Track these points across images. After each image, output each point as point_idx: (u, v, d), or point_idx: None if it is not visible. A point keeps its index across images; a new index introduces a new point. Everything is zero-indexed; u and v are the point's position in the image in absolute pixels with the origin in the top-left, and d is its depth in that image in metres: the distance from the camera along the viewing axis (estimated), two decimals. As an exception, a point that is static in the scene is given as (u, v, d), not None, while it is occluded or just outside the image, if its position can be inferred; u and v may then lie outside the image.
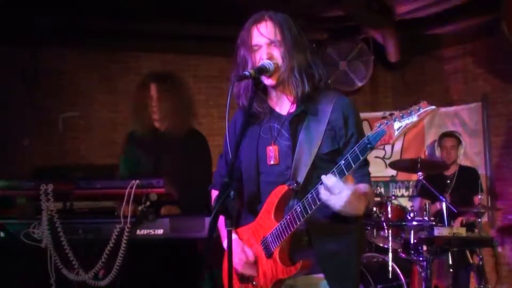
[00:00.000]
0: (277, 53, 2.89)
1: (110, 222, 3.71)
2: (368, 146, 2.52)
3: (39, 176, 4.19)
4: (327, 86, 3.06)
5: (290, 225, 2.78)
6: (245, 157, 3.08)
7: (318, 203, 2.65)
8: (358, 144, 2.55)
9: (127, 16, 7.93)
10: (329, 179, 2.59)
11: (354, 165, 2.56)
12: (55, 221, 3.68)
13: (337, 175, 2.61)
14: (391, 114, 2.50)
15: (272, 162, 2.98)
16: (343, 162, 2.59)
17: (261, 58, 2.88)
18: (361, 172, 2.92)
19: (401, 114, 2.46)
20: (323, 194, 2.61)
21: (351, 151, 2.57)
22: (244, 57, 2.95)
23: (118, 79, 8.53)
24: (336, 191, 2.58)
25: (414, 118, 2.43)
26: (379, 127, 2.50)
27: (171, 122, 4.74)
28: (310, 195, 2.70)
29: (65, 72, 8.48)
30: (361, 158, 2.55)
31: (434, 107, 2.44)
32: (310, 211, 2.70)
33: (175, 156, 4.69)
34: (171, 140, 4.72)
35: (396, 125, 2.46)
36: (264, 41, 2.89)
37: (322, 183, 2.62)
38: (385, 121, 2.49)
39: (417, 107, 2.44)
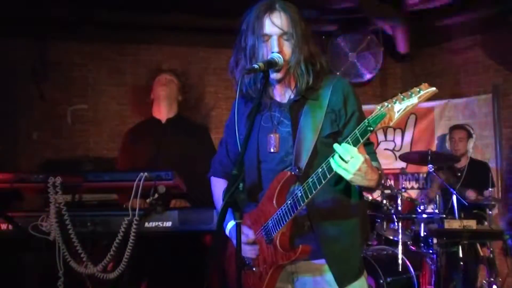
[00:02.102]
0: (287, 47, 2.88)
1: (118, 215, 3.71)
2: (369, 128, 2.49)
3: (49, 168, 4.17)
4: (327, 72, 3.05)
5: (291, 210, 2.77)
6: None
7: (329, 176, 2.62)
8: (358, 127, 2.53)
9: (137, 9, 7.92)
10: (340, 146, 2.56)
11: (355, 147, 2.53)
12: (64, 213, 3.68)
13: (351, 143, 2.57)
14: (392, 97, 2.48)
15: (272, 150, 2.98)
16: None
17: (271, 50, 2.87)
18: (366, 150, 2.89)
19: (401, 97, 2.43)
20: (334, 161, 2.57)
21: (352, 134, 2.55)
22: (253, 46, 2.92)
23: (127, 71, 8.52)
24: (347, 158, 2.53)
25: (415, 100, 2.40)
26: (379, 110, 2.48)
27: (177, 114, 4.75)
28: (310, 179, 2.69)
29: (74, 65, 8.48)
30: (361, 141, 2.52)
31: (434, 89, 2.41)
32: (310, 195, 2.69)
33: (178, 149, 4.70)
34: (174, 133, 4.73)
35: (397, 107, 2.43)
36: (276, 31, 2.87)
37: (333, 155, 2.58)
38: (386, 104, 2.47)
39: (418, 89, 2.41)
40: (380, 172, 2.75)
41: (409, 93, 2.42)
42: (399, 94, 2.45)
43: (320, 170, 2.65)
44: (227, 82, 8.92)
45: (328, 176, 2.62)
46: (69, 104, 8.38)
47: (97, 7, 7.79)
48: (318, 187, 2.67)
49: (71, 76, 8.44)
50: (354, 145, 2.53)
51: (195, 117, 5.04)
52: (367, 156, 2.60)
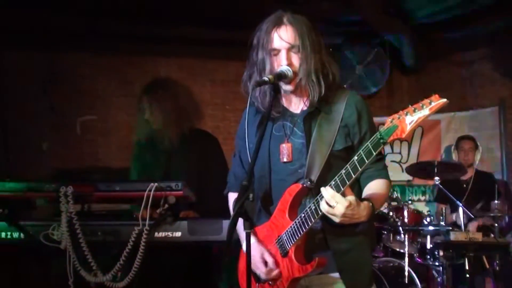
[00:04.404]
0: (296, 59, 2.91)
1: (128, 225, 3.74)
2: (381, 141, 2.53)
3: (57, 179, 4.20)
4: (339, 85, 3.09)
5: (305, 223, 2.79)
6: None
7: (342, 188, 2.66)
8: (370, 140, 2.57)
9: (144, 20, 7.98)
10: (326, 192, 2.64)
11: (367, 160, 2.57)
12: (74, 223, 3.71)
13: (333, 187, 2.66)
14: (403, 109, 2.50)
15: (285, 160, 2.99)
16: (356, 158, 2.61)
17: (280, 63, 2.91)
18: (377, 166, 2.95)
19: (413, 108, 2.45)
20: (322, 205, 2.66)
21: (364, 146, 2.59)
22: (263, 60, 2.96)
23: (136, 83, 8.49)
24: (333, 203, 2.62)
25: (426, 111, 2.41)
26: (391, 122, 2.50)
27: (171, 129, 4.76)
28: (321, 195, 2.71)
29: (83, 76, 8.54)
30: (374, 154, 2.56)
31: (445, 100, 2.40)
32: (321, 212, 2.71)
33: (188, 160, 4.72)
34: (184, 144, 4.75)
35: (408, 119, 2.45)
36: (284, 46, 2.91)
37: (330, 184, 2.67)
38: (397, 116, 2.49)
39: (429, 101, 2.41)
40: (371, 204, 2.79)
41: (420, 104, 2.43)
42: (410, 105, 2.47)
43: (334, 183, 2.68)
44: (234, 94, 8.96)
45: (342, 189, 2.65)
46: (78, 115, 8.44)
47: (106, 19, 7.85)
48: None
49: (80, 87, 8.51)
50: (367, 158, 2.57)
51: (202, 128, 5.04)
52: (352, 199, 2.64)
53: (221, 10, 7.85)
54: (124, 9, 7.59)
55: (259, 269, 2.96)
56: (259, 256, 2.96)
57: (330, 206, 2.63)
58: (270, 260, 2.95)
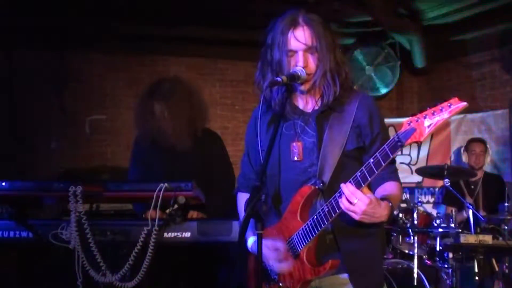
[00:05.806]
0: (312, 60, 2.89)
1: (138, 225, 3.73)
2: (399, 144, 2.50)
3: (66, 178, 4.19)
4: (351, 85, 3.08)
5: (318, 225, 2.77)
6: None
7: (338, 211, 2.66)
8: (388, 142, 2.55)
9: (155, 20, 7.99)
10: (346, 188, 2.62)
11: (384, 163, 2.56)
12: (83, 222, 3.70)
13: (353, 183, 2.63)
14: (421, 111, 2.48)
15: (296, 158, 2.97)
16: (372, 160, 2.59)
17: (296, 64, 2.88)
18: (389, 169, 2.92)
19: (431, 111, 2.44)
20: (342, 202, 2.65)
21: (381, 149, 2.57)
22: (279, 61, 2.93)
23: (145, 82, 8.48)
24: (353, 201, 2.60)
25: (445, 115, 2.40)
26: (409, 124, 2.48)
27: (182, 133, 4.72)
28: (338, 194, 2.70)
29: (92, 75, 8.57)
30: (391, 156, 2.54)
31: (465, 103, 2.40)
32: (338, 210, 2.70)
33: (190, 160, 4.70)
34: (185, 145, 4.72)
35: (427, 122, 2.44)
36: (301, 47, 2.88)
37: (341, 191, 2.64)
38: (415, 119, 2.47)
39: (448, 104, 2.41)
40: (391, 204, 2.77)
41: (439, 107, 2.42)
42: (428, 108, 2.45)
43: (353, 180, 2.66)
44: (244, 94, 8.98)
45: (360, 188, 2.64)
46: (88, 114, 8.46)
47: (115, 19, 7.87)
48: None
49: (90, 87, 8.53)
50: (384, 161, 2.55)
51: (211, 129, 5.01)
52: (372, 197, 2.64)
53: (231, 10, 7.85)
54: (134, 8, 7.60)
55: (272, 258, 2.91)
56: (270, 244, 2.90)
57: (350, 202, 2.62)
58: (281, 245, 2.90)
